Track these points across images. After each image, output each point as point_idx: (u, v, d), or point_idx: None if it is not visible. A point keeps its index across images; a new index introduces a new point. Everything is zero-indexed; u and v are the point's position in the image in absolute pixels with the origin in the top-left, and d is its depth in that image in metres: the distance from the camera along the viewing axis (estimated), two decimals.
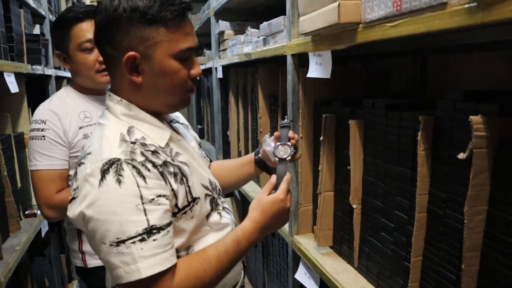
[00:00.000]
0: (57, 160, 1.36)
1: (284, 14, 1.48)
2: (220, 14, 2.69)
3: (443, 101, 0.87)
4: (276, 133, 1.14)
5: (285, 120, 1.16)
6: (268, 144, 1.16)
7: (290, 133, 1.12)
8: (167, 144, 0.93)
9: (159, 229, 0.82)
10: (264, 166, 1.23)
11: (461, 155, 0.75)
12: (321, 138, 1.31)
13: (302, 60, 1.40)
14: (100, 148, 0.85)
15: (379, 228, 1.12)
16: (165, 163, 0.88)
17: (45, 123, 1.37)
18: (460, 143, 0.81)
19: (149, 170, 0.83)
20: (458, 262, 0.84)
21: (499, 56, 1.24)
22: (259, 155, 1.23)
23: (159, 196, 0.83)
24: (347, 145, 1.19)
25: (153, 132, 0.91)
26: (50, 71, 2.50)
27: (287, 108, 1.47)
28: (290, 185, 1.02)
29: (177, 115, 1.15)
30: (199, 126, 3.96)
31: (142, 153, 0.85)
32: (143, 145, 0.87)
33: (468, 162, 0.77)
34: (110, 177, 0.80)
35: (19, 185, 1.95)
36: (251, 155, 1.26)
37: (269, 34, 1.72)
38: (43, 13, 2.49)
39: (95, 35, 0.91)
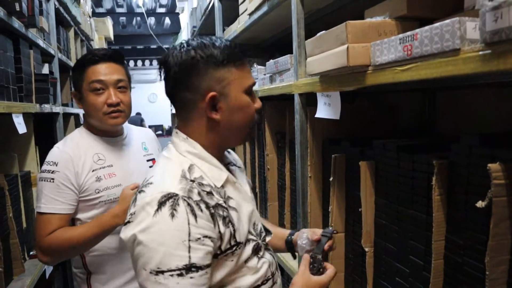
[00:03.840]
0: (62, 204, 1.33)
1: (290, 50, 1.49)
2: None
3: (458, 145, 0.84)
4: (315, 237, 1.12)
5: (330, 228, 1.14)
6: (303, 240, 1.13)
7: (327, 245, 1.10)
8: (222, 186, 0.97)
9: (198, 268, 0.85)
10: (291, 248, 1.21)
11: (480, 204, 0.73)
12: (331, 178, 1.28)
13: (309, 99, 1.39)
14: (162, 180, 0.92)
15: (394, 273, 1.08)
16: (217, 205, 0.92)
17: (56, 165, 1.34)
18: (477, 189, 0.79)
19: (201, 210, 0.88)
20: None
21: (510, 92, 1.23)
22: (293, 236, 1.21)
23: (206, 237, 0.87)
24: (357, 186, 1.16)
25: (212, 172, 0.97)
26: (58, 109, 2.52)
27: (295, 147, 1.46)
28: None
29: (235, 158, 1.17)
30: None
31: (199, 193, 0.90)
32: (200, 184, 0.92)
33: (487, 208, 0.74)
34: (166, 209, 0.85)
35: (24, 225, 1.92)
36: (285, 232, 1.24)
37: (276, 72, 1.73)
38: (52, 52, 2.53)
39: (168, 90, 0.99)
